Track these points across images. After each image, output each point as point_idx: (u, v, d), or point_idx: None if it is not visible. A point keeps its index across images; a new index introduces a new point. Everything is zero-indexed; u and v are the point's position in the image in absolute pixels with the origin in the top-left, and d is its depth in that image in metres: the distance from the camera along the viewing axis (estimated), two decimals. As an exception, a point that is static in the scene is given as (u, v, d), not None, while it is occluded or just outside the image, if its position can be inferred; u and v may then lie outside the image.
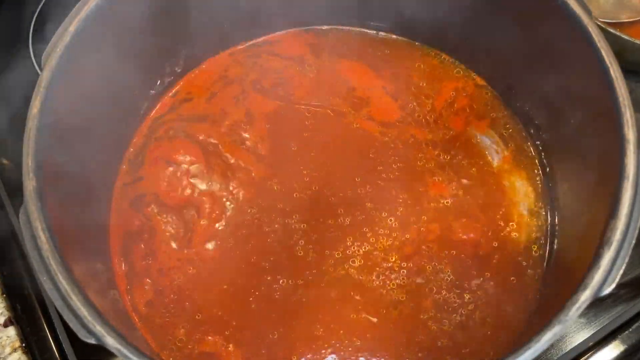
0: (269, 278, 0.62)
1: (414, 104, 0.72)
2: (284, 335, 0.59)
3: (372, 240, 0.64)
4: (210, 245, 0.64)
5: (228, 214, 0.65)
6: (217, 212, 0.65)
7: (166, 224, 0.65)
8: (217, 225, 0.65)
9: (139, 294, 0.62)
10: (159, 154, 0.69)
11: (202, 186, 0.67)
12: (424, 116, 0.71)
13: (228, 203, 0.66)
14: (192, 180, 0.67)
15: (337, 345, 0.59)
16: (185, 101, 0.73)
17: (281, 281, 0.62)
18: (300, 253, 0.63)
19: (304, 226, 0.64)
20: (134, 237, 0.65)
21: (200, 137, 0.70)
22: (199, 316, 0.61)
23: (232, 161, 0.68)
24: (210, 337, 0.60)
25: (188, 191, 0.67)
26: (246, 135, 0.70)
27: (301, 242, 0.64)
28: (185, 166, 0.68)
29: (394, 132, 0.70)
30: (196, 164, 0.68)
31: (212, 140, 0.70)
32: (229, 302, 0.61)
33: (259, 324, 0.60)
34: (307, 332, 0.59)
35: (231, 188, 0.67)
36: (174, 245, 0.64)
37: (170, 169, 0.68)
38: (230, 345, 0.59)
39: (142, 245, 0.65)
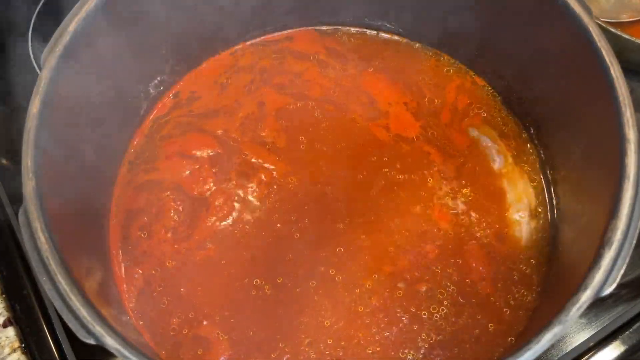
0: (259, 281, 0.62)
1: (428, 119, 0.71)
2: (272, 331, 0.59)
3: (378, 245, 0.63)
4: (208, 244, 0.64)
5: (235, 214, 0.65)
6: (225, 211, 0.65)
7: (176, 212, 0.65)
8: (221, 224, 0.65)
9: (133, 286, 0.62)
10: (174, 149, 0.69)
11: (218, 181, 0.67)
12: (436, 133, 0.70)
13: (237, 203, 0.66)
14: (211, 172, 0.67)
15: (324, 344, 0.59)
16: (194, 99, 0.73)
17: (263, 285, 0.62)
18: (292, 255, 0.63)
19: (309, 229, 0.64)
20: (138, 213, 0.66)
21: (219, 132, 0.70)
22: (192, 314, 0.61)
23: (252, 159, 0.68)
24: (206, 322, 0.60)
25: (203, 186, 0.67)
26: (262, 133, 0.70)
27: (300, 247, 0.63)
28: (203, 159, 0.68)
29: (407, 145, 0.69)
30: (213, 158, 0.68)
31: (231, 135, 0.70)
32: (218, 298, 0.61)
33: (249, 321, 0.60)
34: (294, 330, 0.59)
35: (245, 185, 0.67)
36: (170, 235, 0.64)
37: (187, 162, 0.68)
38: (221, 334, 0.59)
39: (146, 218, 0.65)
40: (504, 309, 0.60)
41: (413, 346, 0.59)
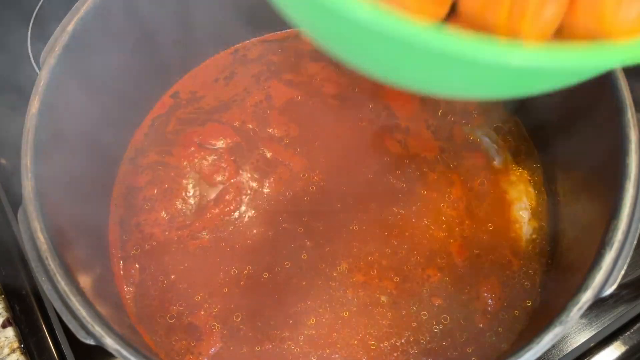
0: (252, 271, 0.62)
1: (444, 141, 0.70)
2: (263, 322, 0.60)
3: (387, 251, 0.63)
4: (205, 235, 0.64)
5: (242, 208, 0.65)
6: (233, 205, 0.65)
7: (183, 201, 0.65)
8: (225, 217, 0.65)
9: (132, 285, 0.62)
10: (191, 139, 0.69)
11: (234, 174, 0.67)
12: (454, 156, 0.69)
13: (246, 197, 0.66)
14: (230, 160, 0.67)
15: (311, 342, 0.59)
16: (196, 99, 0.72)
17: (256, 277, 0.62)
18: (293, 252, 0.63)
19: (314, 227, 0.64)
20: (145, 186, 0.66)
21: (235, 124, 0.70)
22: (190, 302, 0.61)
23: (269, 155, 0.68)
24: (203, 313, 0.60)
25: (218, 178, 0.67)
26: (274, 126, 0.70)
27: (305, 246, 0.63)
28: (220, 150, 0.68)
29: (426, 166, 0.68)
30: (232, 149, 0.68)
31: (247, 125, 0.70)
32: (210, 287, 0.61)
33: (240, 312, 0.60)
34: (283, 325, 0.60)
35: (258, 179, 0.67)
36: (166, 217, 0.64)
37: (203, 153, 0.68)
38: (216, 325, 0.60)
39: (155, 191, 0.65)
40: (502, 345, 0.59)
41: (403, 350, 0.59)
